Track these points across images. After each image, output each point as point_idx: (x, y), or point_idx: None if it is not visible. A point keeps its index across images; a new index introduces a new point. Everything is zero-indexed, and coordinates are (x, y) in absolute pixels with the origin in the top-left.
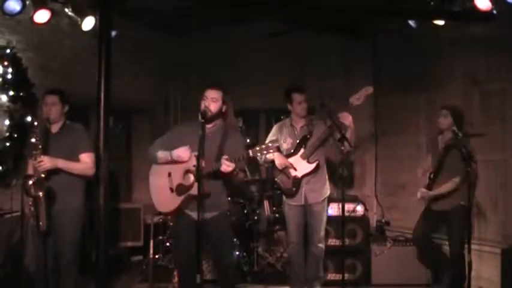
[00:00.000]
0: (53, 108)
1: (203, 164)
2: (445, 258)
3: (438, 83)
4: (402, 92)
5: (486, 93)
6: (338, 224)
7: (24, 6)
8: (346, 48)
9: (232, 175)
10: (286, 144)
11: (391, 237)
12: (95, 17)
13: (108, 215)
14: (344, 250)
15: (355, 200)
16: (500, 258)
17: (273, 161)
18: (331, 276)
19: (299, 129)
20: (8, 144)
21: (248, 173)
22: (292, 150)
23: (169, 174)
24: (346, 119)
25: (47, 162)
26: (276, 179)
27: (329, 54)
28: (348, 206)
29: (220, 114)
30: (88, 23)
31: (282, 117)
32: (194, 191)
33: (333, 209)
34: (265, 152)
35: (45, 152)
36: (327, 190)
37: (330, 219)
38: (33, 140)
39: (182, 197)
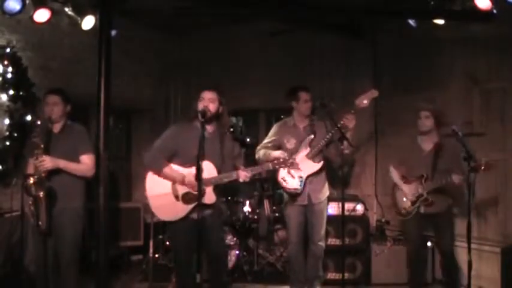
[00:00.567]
0: (55, 108)
1: (212, 171)
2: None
3: (438, 82)
4: (402, 92)
5: (486, 92)
6: (338, 223)
7: (24, 5)
8: (346, 48)
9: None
10: (289, 145)
11: (391, 236)
12: (95, 16)
13: (108, 214)
14: (344, 249)
15: (355, 199)
16: (500, 258)
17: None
18: (331, 275)
19: (302, 129)
20: (8, 143)
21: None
22: (296, 151)
23: (174, 182)
24: (351, 122)
25: (48, 162)
26: (279, 179)
27: (329, 54)
28: (348, 206)
29: (217, 114)
30: (88, 23)
31: (282, 116)
32: (206, 200)
33: (333, 209)
34: (282, 164)
35: (47, 151)
36: (327, 189)
37: (330, 218)
38: (34, 139)
39: (191, 206)
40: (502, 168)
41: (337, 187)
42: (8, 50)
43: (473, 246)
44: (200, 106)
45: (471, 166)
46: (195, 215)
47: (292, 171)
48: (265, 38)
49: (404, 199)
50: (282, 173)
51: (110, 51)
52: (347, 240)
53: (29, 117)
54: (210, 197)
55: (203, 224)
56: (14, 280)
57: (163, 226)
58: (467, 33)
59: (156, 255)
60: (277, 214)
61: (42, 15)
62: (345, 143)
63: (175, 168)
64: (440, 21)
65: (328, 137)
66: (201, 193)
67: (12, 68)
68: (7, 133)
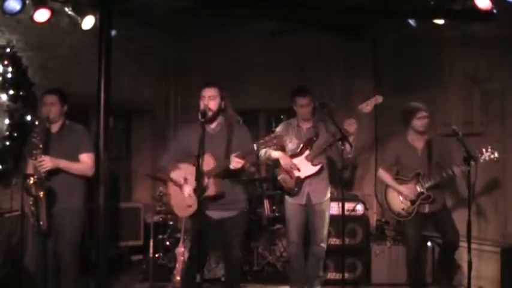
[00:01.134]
0: (52, 108)
1: (210, 163)
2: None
3: (438, 82)
4: (402, 92)
5: (486, 92)
6: (338, 223)
7: (24, 5)
8: (346, 48)
9: (243, 170)
10: (292, 144)
11: (391, 236)
12: (95, 16)
13: (108, 214)
14: (344, 249)
15: (355, 199)
16: (500, 258)
17: (275, 159)
18: (331, 275)
19: (305, 130)
20: (8, 143)
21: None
22: (297, 151)
23: (186, 180)
24: (352, 126)
25: (48, 162)
26: (278, 178)
27: (329, 54)
28: (348, 205)
29: (220, 111)
30: (88, 22)
31: (281, 116)
32: (210, 191)
33: (333, 208)
34: (269, 143)
35: (46, 151)
36: (329, 190)
37: (330, 218)
38: (34, 139)
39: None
40: (502, 168)
41: (338, 187)
42: (8, 50)
43: (473, 246)
44: (201, 105)
45: (468, 168)
46: (216, 215)
47: (291, 171)
48: (265, 38)
49: (402, 200)
50: (282, 173)
51: (110, 51)
52: (347, 240)
53: (29, 117)
54: (211, 188)
55: (221, 225)
56: (14, 280)
57: (163, 226)
58: (467, 33)
59: (156, 255)
60: (277, 214)
61: (42, 15)
62: (347, 146)
63: (183, 165)
64: (440, 21)
65: (329, 141)
66: (201, 193)
67: (12, 68)
68: (7, 133)
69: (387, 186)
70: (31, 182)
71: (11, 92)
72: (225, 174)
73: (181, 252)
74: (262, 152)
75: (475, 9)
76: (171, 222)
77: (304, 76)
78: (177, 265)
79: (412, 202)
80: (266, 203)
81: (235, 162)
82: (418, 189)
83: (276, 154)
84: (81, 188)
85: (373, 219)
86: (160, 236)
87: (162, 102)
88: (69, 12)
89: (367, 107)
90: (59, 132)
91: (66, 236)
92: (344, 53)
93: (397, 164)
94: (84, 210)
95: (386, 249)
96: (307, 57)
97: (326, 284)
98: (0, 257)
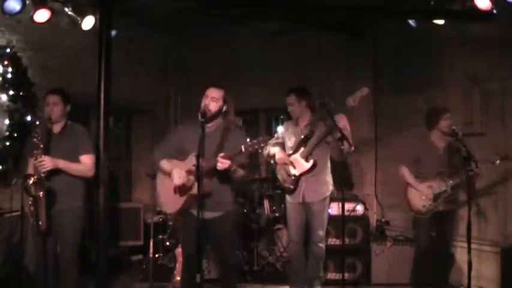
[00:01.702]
0: (55, 108)
1: (203, 163)
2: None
3: (438, 82)
4: (402, 92)
5: (486, 92)
6: (338, 223)
7: (24, 5)
8: (346, 48)
9: (230, 172)
10: (290, 142)
11: (391, 236)
12: (95, 16)
13: (108, 214)
14: (344, 249)
15: (355, 199)
16: (500, 258)
17: (274, 156)
18: (331, 275)
19: (302, 128)
20: (8, 143)
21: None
22: (294, 149)
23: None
24: (340, 120)
25: (48, 162)
26: (278, 176)
27: (329, 54)
28: (348, 205)
29: (220, 113)
30: (88, 23)
31: (281, 116)
32: (194, 190)
33: (333, 208)
34: (256, 146)
35: (47, 152)
36: (328, 190)
37: (330, 218)
38: (34, 139)
39: (184, 197)
40: (502, 168)
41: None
42: (8, 50)
43: (473, 246)
44: (202, 104)
45: (468, 168)
46: (206, 215)
47: (287, 168)
48: (265, 38)
49: (423, 197)
50: (281, 171)
51: (110, 51)
52: (347, 240)
53: (29, 117)
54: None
55: (208, 226)
56: (14, 280)
57: (163, 226)
58: (467, 33)
59: (156, 255)
60: (277, 214)
61: (42, 15)
62: (346, 144)
63: (174, 161)
64: (440, 21)
65: (321, 135)
66: (200, 192)
67: (12, 68)
68: (7, 133)
69: (408, 183)
70: (30, 182)
71: (11, 92)
72: (212, 173)
73: (181, 252)
74: (265, 150)
75: (475, 10)
76: (171, 223)
77: (304, 76)
78: (177, 265)
79: (435, 199)
80: (266, 203)
81: (221, 163)
82: (443, 187)
83: (273, 150)
84: (81, 188)
85: (373, 219)
86: (160, 236)
87: (162, 102)
88: (69, 12)
89: (353, 100)
90: (61, 132)
91: (66, 236)
92: (344, 53)
93: (417, 162)
94: (84, 211)
95: (386, 249)
96: (307, 57)
97: (326, 284)
98: (0, 257)
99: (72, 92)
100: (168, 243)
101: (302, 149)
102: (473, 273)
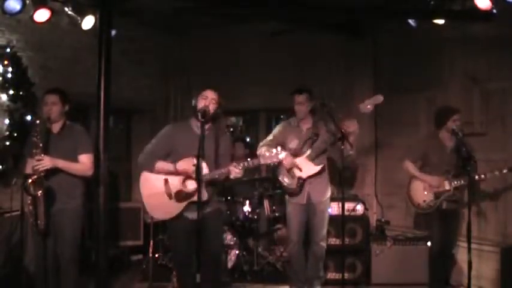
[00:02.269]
0: (54, 108)
1: (205, 167)
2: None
3: (438, 82)
4: (402, 92)
5: (486, 92)
6: (338, 223)
7: (24, 5)
8: (346, 48)
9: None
10: (292, 144)
11: (391, 236)
12: (95, 16)
13: (108, 214)
14: (344, 249)
15: (355, 199)
16: (500, 258)
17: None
18: (331, 275)
19: (305, 130)
20: (7, 143)
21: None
22: (298, 151)
23: (166, 181)
24: (352, 127)
25: (47, 161)
26: (279, 178)
27: (329, 54)
28: (348, 205)
29: (215, 116)
30: (88, 22)
31: (281, 116)
32: (195, 197)
33: (333, 208)
34: (272, 159)
35: (46, 151)
36: (329, 190)
37: (330, 218)
38: (34, 138)
39: (184, 204)
40: (502, 168)
41: (338, 187)
42: (8, 49)
43: (473, 246)
44: (201, 104)
45: (468, 168)
46: (193, 215)
47: (293, 171)
48: (265, 38)
49: (426, 192)
50: (283, 173)
51: (110, 51)
52: (347, 240)
53: (29, 117)
54: (203, 194)
55: (202, 224)
56: (14, 280)
57: (163, 226)
58: (467, 33)
59: (156, 255)
60: (277, 214)
61: (42, 15)
62: (347, 145)
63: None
64: (440, 21)
65: (329, 140)
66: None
67: (12, 67)
68: (7, 133)
69: (412, 177)
70: (30, 181)
71: (11, 92)
72: (212, 182)
73: (173, 261)
74: (263, 149)
75: (475, 9)
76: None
77: (304, 76)
78: None
79: (436, 196)
80: (266, 203)
81: (235, 173)
82: (447, 186)
83: (281, 156)
84: (81, 187)
85: (373, 219)
86: (160, 236)
87: (162, 102)
88: (69, 12)
89: (367, 106)
90: (60, 132)
91: (66, 236)
92: (344, 53)
93: (424, 160)
94: (84, 210)
95: (386, 249)
96: (307, 57)
97: (326, 284)
98: (0, 257)
99: (72, 92)
100: (168, 243)
101: (308, 151)
102: (473, 273)
